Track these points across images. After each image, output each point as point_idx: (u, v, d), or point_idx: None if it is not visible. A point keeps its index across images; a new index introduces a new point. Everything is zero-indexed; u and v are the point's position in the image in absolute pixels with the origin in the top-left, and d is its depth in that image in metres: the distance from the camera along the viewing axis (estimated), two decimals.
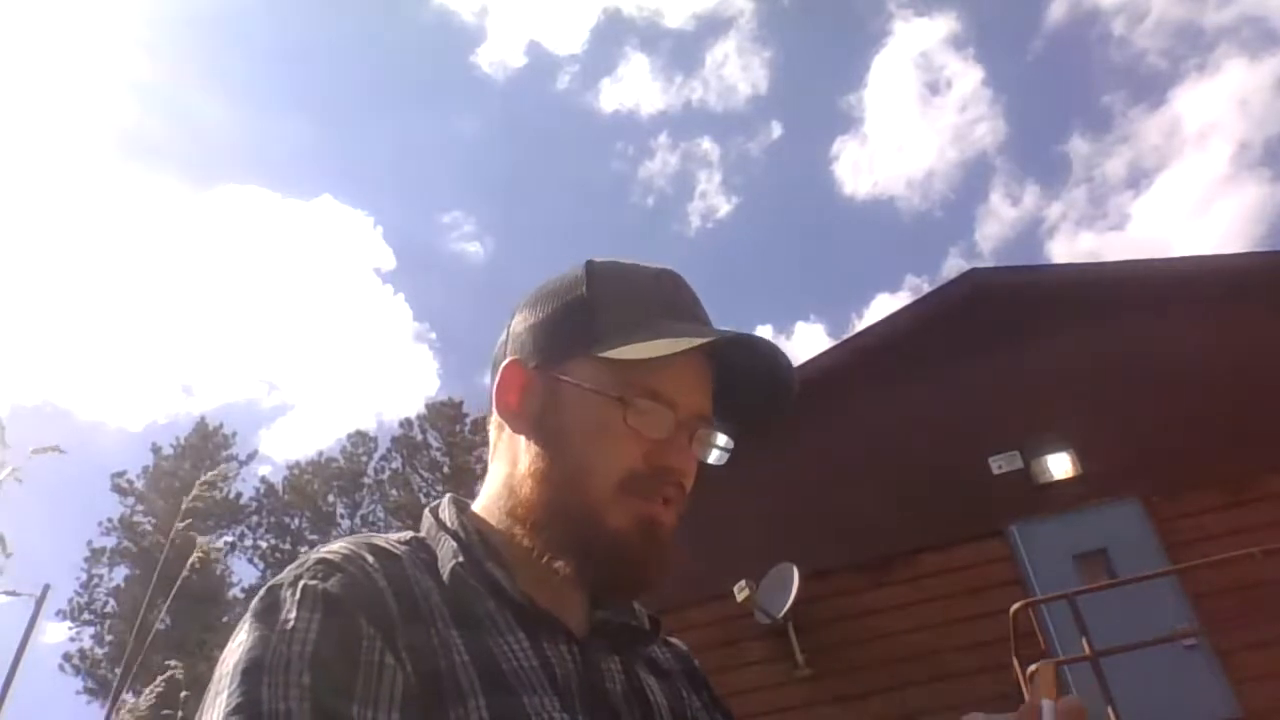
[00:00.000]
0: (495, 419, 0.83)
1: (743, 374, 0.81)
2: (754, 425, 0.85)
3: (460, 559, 0.73)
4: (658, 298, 0.81)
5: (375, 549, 0.71)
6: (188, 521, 2.56)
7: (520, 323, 0.83)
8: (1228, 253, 13.16)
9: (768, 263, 41.35)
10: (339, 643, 0.61)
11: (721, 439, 0.83)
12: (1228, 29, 32.47)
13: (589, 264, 0.83)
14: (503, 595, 0.72)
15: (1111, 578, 6.69)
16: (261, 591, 0.67)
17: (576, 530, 0.74)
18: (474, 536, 0.77)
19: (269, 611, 0.64)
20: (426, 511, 0.82)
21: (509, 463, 0.81)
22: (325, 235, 41.43)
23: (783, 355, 0.79)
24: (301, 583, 0.65)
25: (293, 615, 0.62)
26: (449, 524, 0.79)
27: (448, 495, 0.85)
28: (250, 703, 0.57)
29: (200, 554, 2.47)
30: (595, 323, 0.78)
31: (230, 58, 40.07)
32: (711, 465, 0.83)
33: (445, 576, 0.71)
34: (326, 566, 0.66)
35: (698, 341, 0.74)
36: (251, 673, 0.59)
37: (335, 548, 0.70)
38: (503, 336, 0.85)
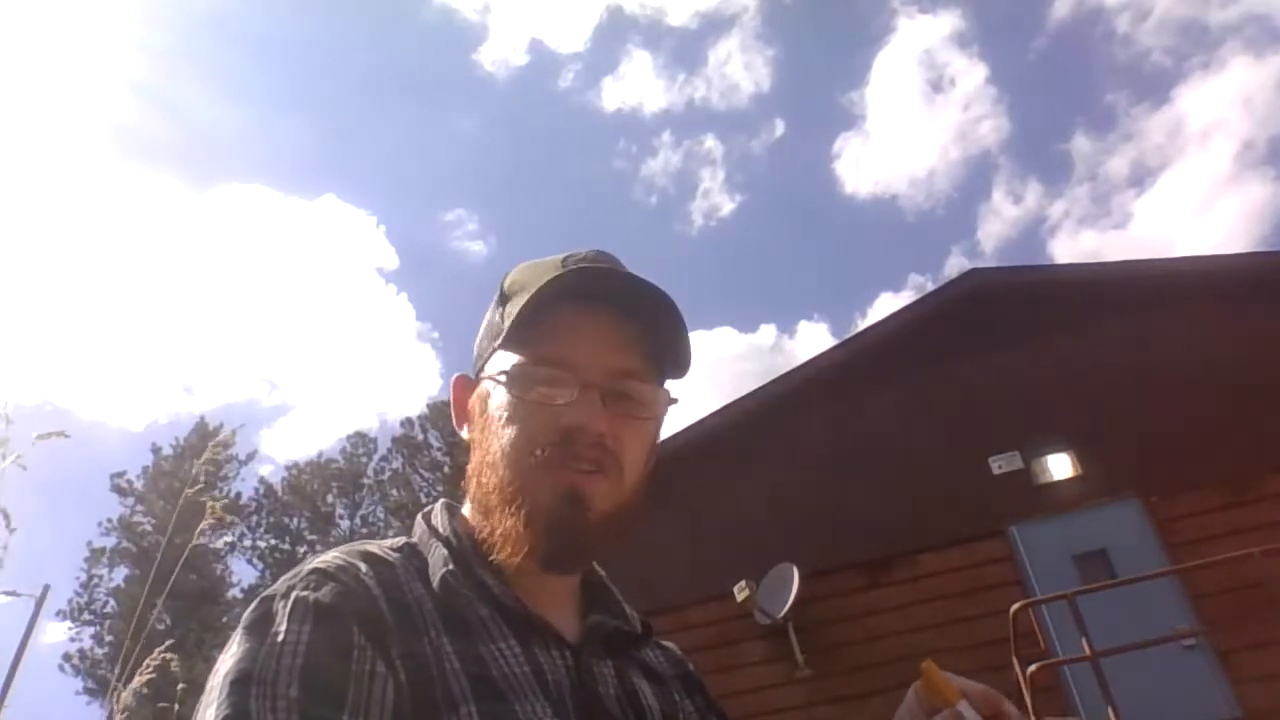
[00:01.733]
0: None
1: (649, 316, 0.79)
2: (665, 356, 0.81)
3: (450, 566, 0.73)
4: (557, 279, 0.77)
5: (369, 557, 0.72)
6: (199, 487, 2.54)
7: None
8: (1227, 253, 13.17)
9: (771, 261, 41.39)
10: (329, 653, 0.62)
11: (643, 388, 0.79)
12: (1232, 27, 32.47)
13: (511, 270, 0.87)
14: (495, 601, 0.73)
15: (1111, 578, 6.68)
16: (254, 603, 0.67)
17: (510, 513, 0.75)
18: (465, 542, 0.78)
19: (260, 623, 0.64)
20: (419, 517, 0.83)
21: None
22: (328, 234, 41.43)
23: (634, 277, 0.78)
24: (294, 594, 0.66)
25: (283, 627, 0.63)
26: (441, 529, 0.80)
27: (440, 500, 0.86)
28: (239, 714, 0.58)
29: (212, 519, 2.44)
30: (505, 318, 0.81)
31: (232, 57, 40.13)
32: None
33: (435, 584, 0.72)
34: (320, 576, 0.67)
35: (536, 288, 0.75)
36: (240, 685, 0.60)
37: (329, 557, 0.70)
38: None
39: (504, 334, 0.79)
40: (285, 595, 0.66)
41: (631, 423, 0.78)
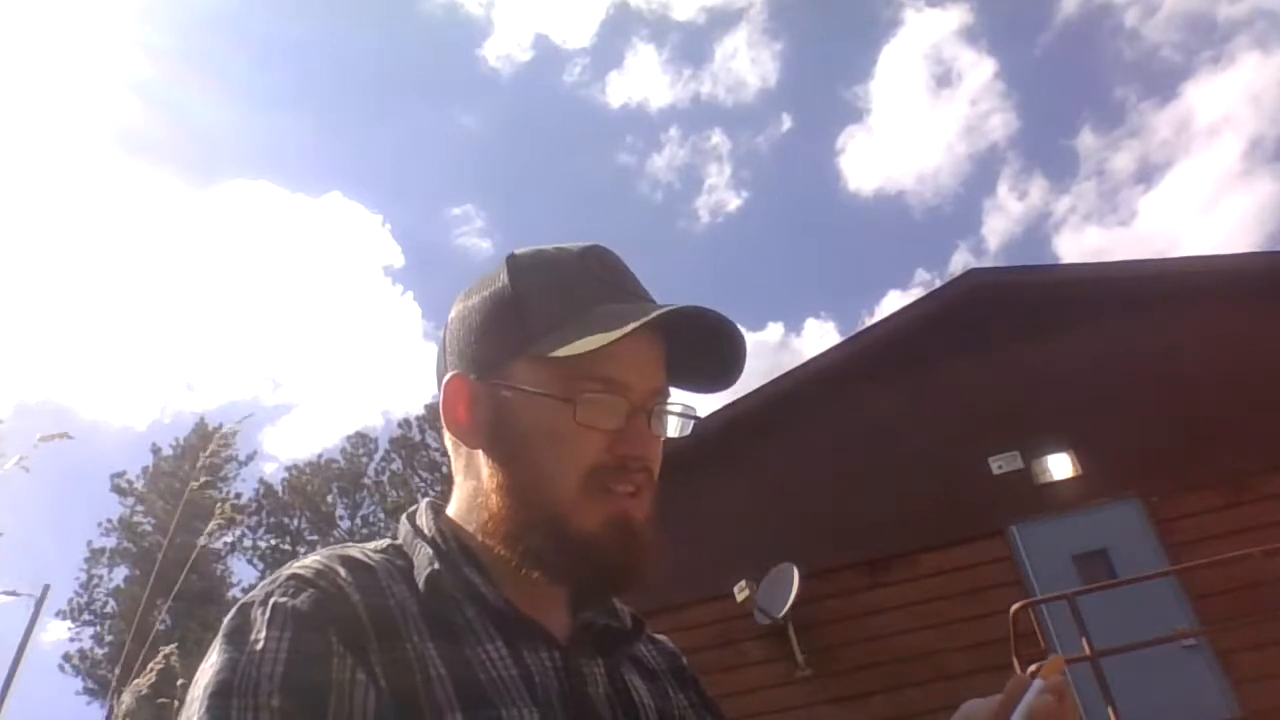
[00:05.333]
0: (449, 434, 0.81)
1: (688, 335, 0.77)
2: (708, 382, 0.81)
3: (436, 566, 0.72)
4: (585, 280, 0.77)
5: (349, 561, 0.70)
6: (204, 480, 2.53)
7: (454, 327, 0.81)
8: (1226, 253, 13.18)
9: (777, 258, 41.24)
10: (309, 662, 0.61)
11: (679, 406, 0.80)
12: (1241, 22, 32.23)
13: (510, 258, 0.80)
14: (482, 601, 0.71)
15: (1111, 578, 6.68)
16: (233, 610, 0.67)
17: (549, 539, 0.72)
18: (451, 542, 0.76)
19: (239, 632, 0.64)
20: (404, 518, 0.81)
21: (474, 477, 0.79)
22: (333, 232, 41.40)
23: (721, 316, 0.76)
24: (272, 600, 0.65)
25: (262, 635, 0.62)
26: (426, 530, 0.78)
27: (424, 500, 0.84)
28: None
29: (221, 519, 2.44)
30: (526, 320, 0.75)
31: (236, 54, 40.11)
32: (687, 441, 0.80)
33: (421, 585, 0.71)
34: (298, 583, 0.66)
35: (632, 327, 0.70)
36: (220, 696, 0.59)
37: (308, 562, 0.69)
38: (441, 340, 0.83)
39: (535, 343, 0.74)
40: (264, 602, 0.65)
41: (660, 440, 0.78)
